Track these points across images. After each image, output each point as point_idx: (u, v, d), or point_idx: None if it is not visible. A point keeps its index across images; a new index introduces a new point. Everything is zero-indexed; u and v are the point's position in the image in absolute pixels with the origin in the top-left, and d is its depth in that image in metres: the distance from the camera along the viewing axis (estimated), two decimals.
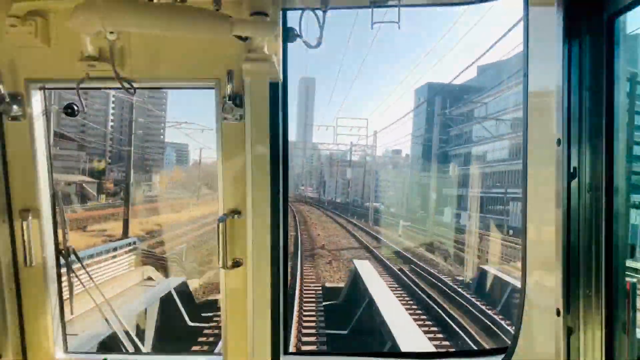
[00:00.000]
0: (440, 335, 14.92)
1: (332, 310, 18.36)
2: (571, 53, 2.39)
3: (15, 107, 2.98)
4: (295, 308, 17.22)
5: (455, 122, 68.08)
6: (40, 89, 3.10)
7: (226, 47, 2.90)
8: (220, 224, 2.97)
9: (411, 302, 18.81)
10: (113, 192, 61.95)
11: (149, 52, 2.99)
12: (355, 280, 20.29)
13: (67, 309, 3.38)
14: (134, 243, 22.77)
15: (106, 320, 3.62)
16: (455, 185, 58.66)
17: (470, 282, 22.75)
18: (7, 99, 2.95)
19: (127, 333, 3.53)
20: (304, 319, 16.55)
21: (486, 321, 16.04)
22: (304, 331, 15.22)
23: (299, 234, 37.72)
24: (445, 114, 69.79)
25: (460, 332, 14.77)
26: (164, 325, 14.74)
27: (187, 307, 16.54)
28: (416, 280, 22.55)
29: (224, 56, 2.93)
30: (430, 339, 13.45)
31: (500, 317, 16.50)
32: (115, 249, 19.61)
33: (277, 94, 3.01)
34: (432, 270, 25.24)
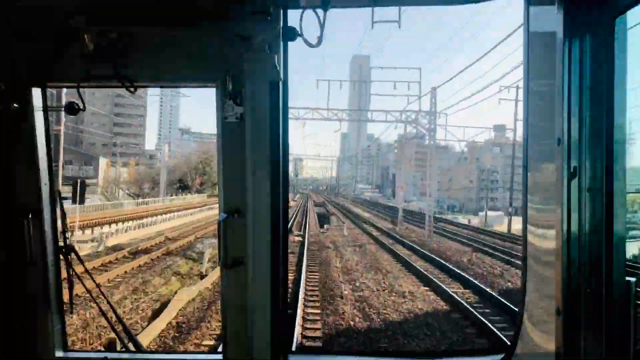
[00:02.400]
0: None
1: None
2: (572, 52, 2.40)
3: (16, 105, 2.98)
4: None
5: None
6: (41, 87, 3.10)
7: (227, 46, 2.90)
8: (220, 223, 2.98)
9: None
10: None
11: (149, 51, 2.99)
12: None
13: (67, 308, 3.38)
14: None
15: (107, 318, 3.62)
16: None
17: None
18: (8, 98, 2.95)
19: (127, 332, 3.53)
20: None
21: None
22: None
23: None
24: None
25: None
26: None
27: None
28: None
29: (224, 55, 2.93)
30: None
31: None
32: None
33: (278, 94, 3.01)
34: None
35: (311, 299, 15.96)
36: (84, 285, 3.44)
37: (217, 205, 3.20)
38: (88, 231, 31.24)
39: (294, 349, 11.78)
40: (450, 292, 16.59)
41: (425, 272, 20.38)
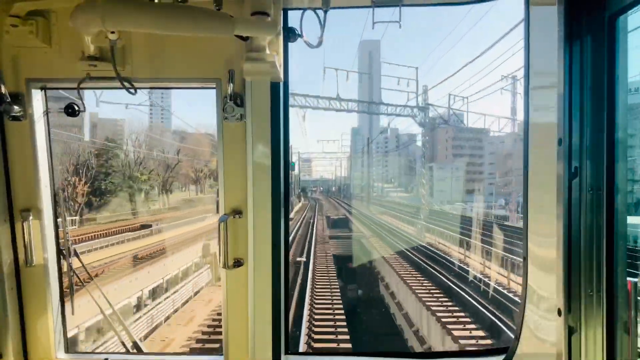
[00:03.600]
0: None
1: None
2: (572, 52, 2.39)
3: (16, 107, 2.98)
4: None
5: None
6: (41, 88, 3.10)
7: (227, 47, 2.90)
8: (222, 224, 2.98)
9: None
10: None
11: (149, 52, 3.00)
12: None
13: (67, 309, 3.38)
14: None
15: (107, 319, 3.62)
16: None
17: None
18: (8, 99, 2.95)
19: (128, 333, 3.53)
20: None
21: None
22: None
23: None
24: None
25: None
26: None
27: None
28: None
29: (225, 56, 2.94)
30: None
31: None
32: None
33: (278, 94, 3.02)
34: None
35: None
36: (84, 287, 3.44)
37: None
38: None
39: (301, 349, 11.77)
40: None
41: None
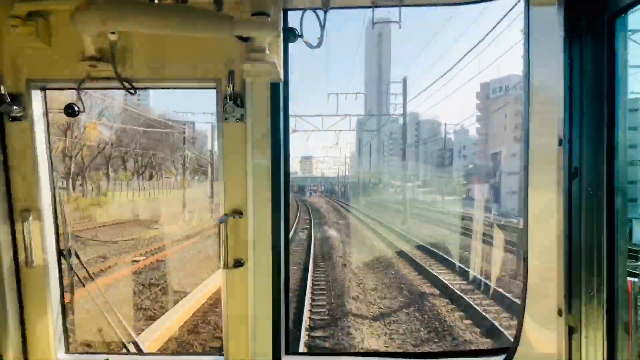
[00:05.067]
0: None
1: None
2: (572, 53, 2.40)
3: (16, 107, 2.98)
4: None
5: None
6: (41, 89, 3.11)
7: (227, 48, 2.91)
8: (222, 225, 2.98)
9: None
10: None
11: (150, 53, 3.00)
12: None
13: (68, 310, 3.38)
14: None
15: (108, 320, 3.62)
16: None
17: None
18: (8, 99, 2.96)
19: (129, 334, 3.53)
20: None
21: None
22: None
23: None
24: None
25: None
26: None
27: None
28: None
29: (225, 56, 2.94)
30: None
31: None
32: None
33: (279, 94, 3.02)
34: None
35: None
36: (85, 287, 3.44)
37: None
38: None
39: (300, 350, 11.76)
40: None
41: None
